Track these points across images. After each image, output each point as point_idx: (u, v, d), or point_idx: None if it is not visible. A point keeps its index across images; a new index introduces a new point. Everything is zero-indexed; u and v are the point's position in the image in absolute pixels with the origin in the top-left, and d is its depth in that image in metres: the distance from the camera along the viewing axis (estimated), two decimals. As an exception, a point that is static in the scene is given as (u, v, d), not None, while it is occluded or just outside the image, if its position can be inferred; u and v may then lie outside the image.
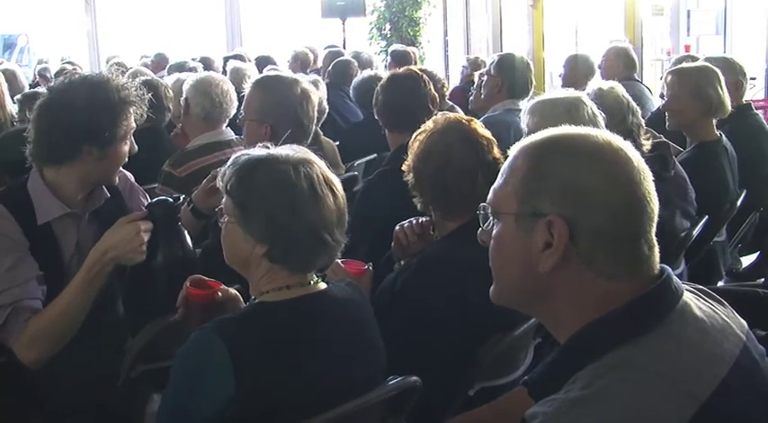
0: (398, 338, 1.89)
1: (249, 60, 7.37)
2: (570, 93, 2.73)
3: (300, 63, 7.72)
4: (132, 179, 2.49)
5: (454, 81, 7.40)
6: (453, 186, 2.12)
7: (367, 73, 5.38)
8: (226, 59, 7.08)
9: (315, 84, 3.73)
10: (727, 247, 3.56)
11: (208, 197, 2.54)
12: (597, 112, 2.62)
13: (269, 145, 1.76)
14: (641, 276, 1.21)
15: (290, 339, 1.62)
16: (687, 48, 8.81)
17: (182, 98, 3.48)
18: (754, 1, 8.75)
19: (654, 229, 1.22)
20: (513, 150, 1.29)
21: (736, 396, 1.13)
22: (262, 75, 3.43)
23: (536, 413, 1.15)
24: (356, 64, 6.30)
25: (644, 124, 2.98)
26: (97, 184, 2.25)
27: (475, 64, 6.68)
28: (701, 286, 1.32)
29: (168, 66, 7.17)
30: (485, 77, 4.31)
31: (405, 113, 3.08)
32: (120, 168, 2.30)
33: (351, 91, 5.41)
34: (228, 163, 1.74)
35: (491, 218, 1.29)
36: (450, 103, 5.10)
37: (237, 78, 4.90)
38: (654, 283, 1.20)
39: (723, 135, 3.48)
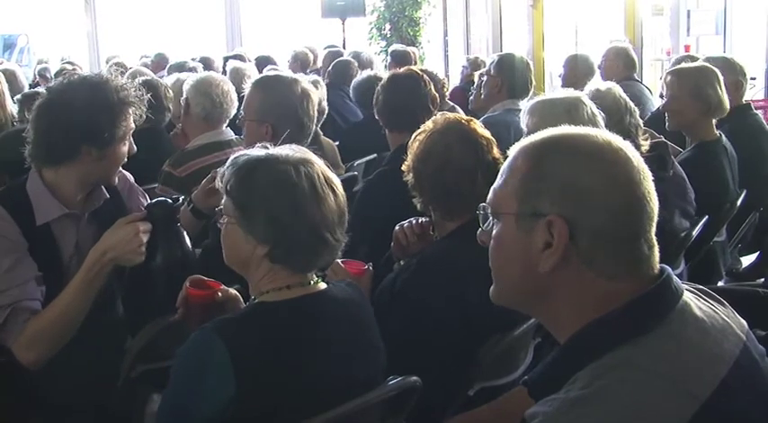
0: (398, 338, 1.89)
1: (249, 60, 7.37)
2: (569, 93, 2.73)
3: (300, 63, 7.72)
4: (132, 179, 2.49)
5: (454, 81, 7.39)
6: (453, 186, 2.12)
7: (367, 73, 5.39)
8: (226, 59, 7.08)
9: (315, 84, 3.73)
10: (727, 247, 3.56)
11: (207, 197, 2.54)
12: (597, 111, 2.62)
13: (268, 145, 1.76)
14: (641, 276, 1.21)
15: (290, 339, 1.62)
16: (687, 48, 8.81)
17: (182, 98, 3.48)
18: (754, 1, 8.75)
19: (654, 229, 1.22)
20: (512, 150, 1.29)
21: (736, 396, 1.13)
22: (261, 75, 3.43)
23: (536, 413, 1.15)
24: (356, 64, 6.31)
25: (642, 125, 2.98)
26: (96, 185, 2.25)
27: (475, 64, 6.68)
28: (700, 286, 1.32)
29: (168, 66, 7.16)
30: (485, 77, 4.31)
31: (405, 113, 3.08)
32: (120, 169, 2.29)
33: (351, 91, 5.41)
34: (227, 163, 1.74)
35: (491, 218, 1.29)
36: (451, 104, 5.10)
37: (237, 78, 4.90)
38: (654, 283, 1.20)
39: (723, 135, 3.48)
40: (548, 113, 2.59)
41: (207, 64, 7.12)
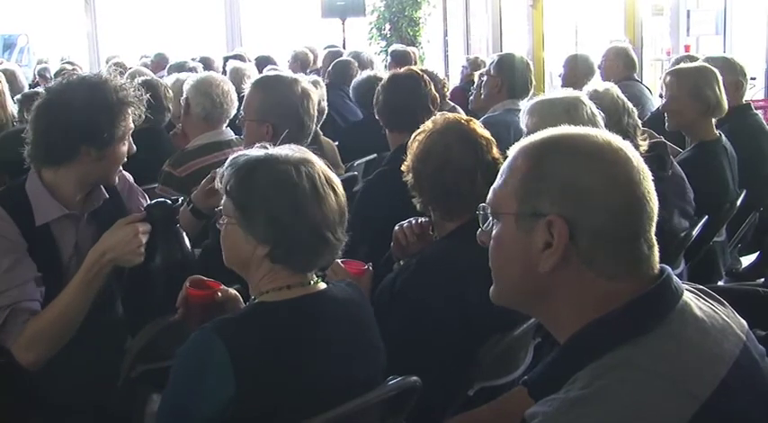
0: (398, 338, 1.89)
1: (249, 60, 7.37)
2: (569, 93, 2.73)
3: (300, 63, 7.72)
4: (131, 180, 2.49)
5: (454, 81, 7.39)
6: (452, 186, 2.12)
7: (367, 73, 5.39)
8: (226, 59, 7.08)
9: (315, 84, 3.72)
10: (726, 247, 3.56)
11: (207, 198, 2.54)
12: (596, 111, 2.62)
13: (267, 145, 1.76)
14: (641, 276, 1.21)
15: (290, 339, 1.62)
16: (687, 48, 8.81)
17: (182, 98, 3.48)
18: (754, 1, 8.75)
19: (653, 229, 1.22)
20: (512, 151, 1.29)
21: (736, 396, 1.13)
22: (261, 75, 3.43)
23: (536, 413, 1.15)
24: (356, 64, 6.30)
25: (641, 125, 2.98)
26: (96, 185, 2.25)
27: (475, 64, 6.68)
28: (700, 286, 1.32)
29: (168, 66, 7.17)
30: (485, 77, 4.31)
31: (405, 113, 3.08)
32: (120, 169, 2.29)
33: (351, 91, 5.41)
34: (226, 164, 1.74)
35: (491, 218, 1.29)
36: (452, 104, 5.10)
37: (237, 78, 4.90)
38: (654, 282, 1.20)
39: (723, 135, 3.48)
40: (547, 113, 2.59)
41: (207, 64, 7.12)
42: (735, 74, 4.00)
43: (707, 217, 3.08)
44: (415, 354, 1.94)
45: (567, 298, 1.22)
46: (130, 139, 2.23)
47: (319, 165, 1.71)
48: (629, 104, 2.92)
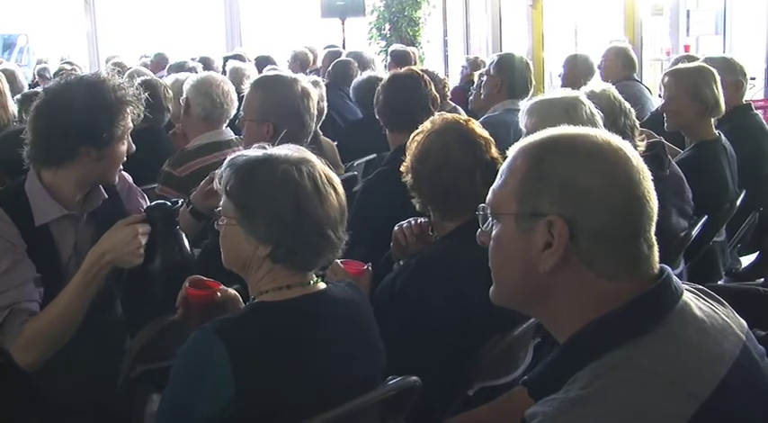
0: (398, 338, 1.89)
1: (249, 60, 7.38)
2: (568, 92, 2.73)
3: (300, 63, 7.72)
4: (131, 180, 2.49)
5: (454, 81, 7.38)
6: (451, 186, 2.12)
7: (367, 73, 5.39)
8: (225, 59, 7.08)
9: (314, 84, 3.72)
10: (726, 247, 3.56)
11: (206, 199, 2.54)
12: (595, 111, 2.62)
13: (265, 145, 1.76)
14: (641, 276, 1.21)
15: (290, 339, 1.62)
16: (687, 48, 8.81)
17: (182, 98, 3.47)
18: (754, 1, 8.75)
19: (653, 229, 1.22)
20: (511, 151, 1.29)
21: (736, 396, 1.13)
22: (260, 75, 3.43)
23: (536, 413, 1.15)
24: (356, 64, 6.30)
25: (638, 125, 2.98)
26: (95, 185, 2.25)
27: (474, 64, 6.68)
28: (700, 286, 1.33)
29: (168, 66, 7.17)
30: (484, 77, 4.31)
31: (405, 113, 3.08)
32: (120, 169, 2.29)
33: (351, 91, 5.41)
34: (224, 164, 1.73)
35: (490, 219, 1.29)
36: (453, 104, 5.09)
37: (237, 78, 4.90)
38: (654, 282, 1.20)
39: (722, 135, 3.48)
40: (546, 113, 2.59)
41: (207, 64, 7.12)
42: (735, 74, 4.00)
43: (706, 217, 3.08)
44: (414, 354, 1.94)
45: (566, 298, 1.22)
46: (129, 138, 2.23)
47: (319, 164, 1.71)
48: (627, 105, 2.92)
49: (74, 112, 2.09)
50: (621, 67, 5.42)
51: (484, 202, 1.31)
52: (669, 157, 3.07)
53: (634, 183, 1.20)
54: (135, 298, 2.21)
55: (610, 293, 1.19)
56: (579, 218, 1.18)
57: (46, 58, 11.22)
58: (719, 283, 3.37)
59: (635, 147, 2.70)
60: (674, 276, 1.23)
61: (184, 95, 3.43)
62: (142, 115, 2.24)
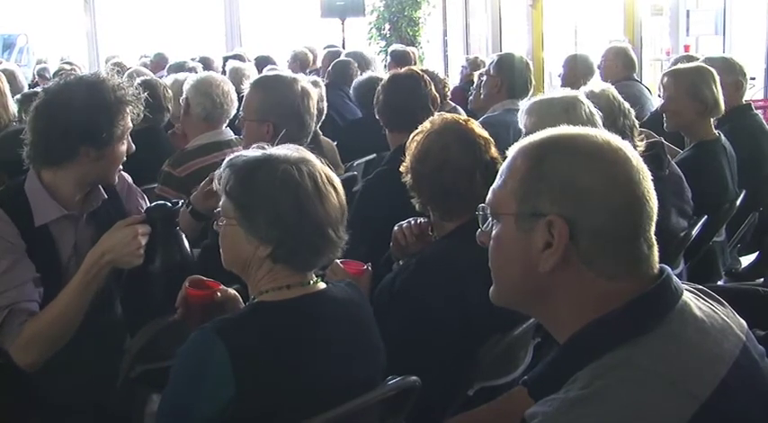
0: (398, 338, 1.89)
1: (248, 60, 7.38)
2: (567, 92, 2.73)
3: (300, 63, 7.72)
4: (130, 180, 2.49)
5: (454, 81, 7.39)
6: (451, 186, 2.12)
7: (367, 74, 5.39)
8: (225, 59, 7.08)
9: (314, 84, 3.72)
10: (726, 247, 3.56)
11: (206, 199, 2.54)
12: (595, 111, 2.62)
13: (265, 146, 1.76)
14: (641, 276, 1.21)
15: (290, 339, 1.62)
16: (686, 48, 8.82)
17: (182, 98, 3.47)
18: (754, 1, 8.76)
19: (653, 228, 1.22)
20: (511, 151, 1.29)
21: (736, 396, 1.13)
22: (260, 75, 3.43)
23: (536, 413, 1.15)
24: (356, 64, 6.30)
25: (638, 125, 2.98)
26: (95, 185, 2.25)
27: (474, 64, 6.68)
28: (700, 286, 1.32)
29: (168, 66, 7.16)
30: (484, 77, 4.31)
31: (405, 113, 3.08)
32: (120, 169, 2.29)
33: (351, 91, 5.41)
34: (224, 165, 1.73)
35: (490, 219, 1.29)
36: (453, 104, 5.10)
37: (237, 78, 4.90)
38: (654, 282, 1.20)
39: (722, 134, 3.48)
40: (546, 113, 2.59)
41: (206, 64, 7.12)
42: (734, 74, 4.00)
43: (706, 217, 3.08)
44: (414, 354, 1.94)
45: (566, 298, 1.22)
46: (129, 138, 2.23)
47: (319, 164, 1.72)
48: (626, 105, 2.92)
49: (73, 112, 2.09)
50: (621, 67, 5.42)
51: (483, 202, 1.31)
52: (669, 157, 3.07)
53: (634, 183, 1.20)
54: (135, 298, 2.20)
55: (610, 293, 1.19)
56: (579, 218, 1.18)
57: (46, 58, 11.21)
58: (719, 283, 3.37)
59: (634, 147, 2.71)
60: (674, 276, 1.23)
61: (184, 95, 3.43)
62: (142, 115, 2.24)
